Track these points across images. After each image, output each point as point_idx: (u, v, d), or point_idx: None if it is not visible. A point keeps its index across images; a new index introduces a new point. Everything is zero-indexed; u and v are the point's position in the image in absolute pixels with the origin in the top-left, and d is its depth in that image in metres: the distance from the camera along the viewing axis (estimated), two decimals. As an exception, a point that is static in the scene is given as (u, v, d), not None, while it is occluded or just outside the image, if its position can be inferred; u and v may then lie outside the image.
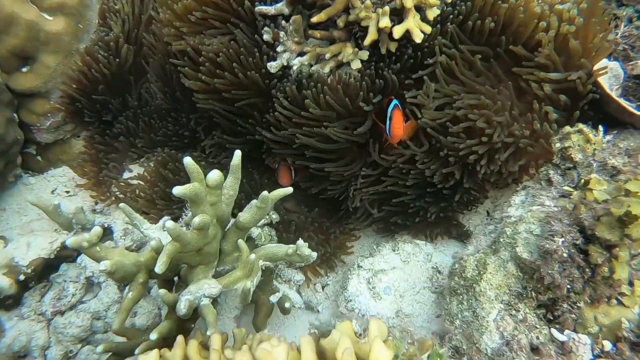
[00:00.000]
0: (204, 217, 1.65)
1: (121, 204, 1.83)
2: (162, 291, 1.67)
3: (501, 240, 1.67)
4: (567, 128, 1.79)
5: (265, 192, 1.76)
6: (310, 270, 2.36)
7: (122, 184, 2.37)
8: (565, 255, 1.48)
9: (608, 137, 1.98)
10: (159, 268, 1.53)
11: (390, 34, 1.78)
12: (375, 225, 2.37)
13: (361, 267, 2.19)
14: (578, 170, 1.76)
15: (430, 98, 1.91)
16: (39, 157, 2.38)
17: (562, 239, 1.49)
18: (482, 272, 1.65)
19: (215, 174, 1.68)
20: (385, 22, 1.70)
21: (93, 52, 2.10)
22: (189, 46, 1.98)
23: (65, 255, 2.22)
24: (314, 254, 1.86)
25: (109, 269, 1.56)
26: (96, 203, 2.38)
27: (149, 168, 2.41)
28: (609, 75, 2.10)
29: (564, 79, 1.84)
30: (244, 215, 1.82)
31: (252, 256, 1.76)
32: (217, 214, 1.78)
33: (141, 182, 2.34)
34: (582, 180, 1.70)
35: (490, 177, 1.98)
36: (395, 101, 1.88)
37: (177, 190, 1.57)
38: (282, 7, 1.91)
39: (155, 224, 2.11)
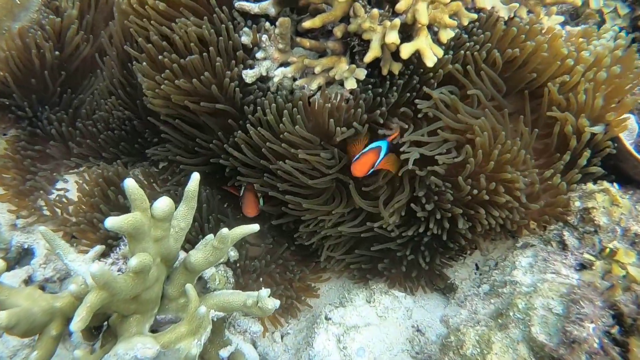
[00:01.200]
0: (144, 257, 1.27)
1: (41, 228, 1.42)
2: (79, 353, 1.27)
3: (510, 314, 1.37)
4: (591, 186, 1.54)
5: (224, 230, 1.41)
6: (269, 318, 2.00)
7: (53, 198, 1.95)
8: (596, 345, 1.20)
9: (627, 197, 1.75)
10: (76, 326, 1.14)
11: (395, 53, 1.49)
12: (348, 272, 2.04)
13: (330, 319, 1.85)
14: (600, 235, 1.50)
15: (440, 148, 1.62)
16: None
17: (594, 325, 1.21)
18: (485, 352, 1.35)
19: (163, 203, 1.31)
20: (393, 37, 1.40)
21: (26, 35, 1.70)
22: (149, 41, 1.61)
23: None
24: (277, 304, 1.51)
25: (4, 324, 1.14)
26: (17, 217, 1.94)
27: (90, 181, 2.00)
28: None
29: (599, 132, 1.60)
30: (196, 256, 1.45)
31: (202, 309, 1.39)
32: (163, 252, 1.41)
33: (78, 198, 1.93)
34: (607, 250, 1.44)
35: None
36: (383, 144, 1.59)
37: (111, 223, 1.19)
38: (267, 6, 1.58)
39: (86, 254, 1.69)
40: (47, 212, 1.92)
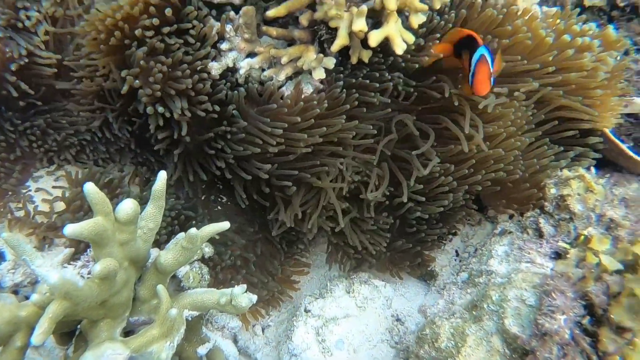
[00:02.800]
0: (108, 263, 1.24)
1: (3, 234, 1.37)
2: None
3: (484, 306, 1.36)
4: (566, 173, 1.52)
5: (193, 230, 1.37)
6: (250, 311, 1.98)
7: (23, 198, 1.90)
8: (567, 337, 1.19)
9: (601, 182, 1.73)
10: (37, 339, 1.11)
11: (364, 40, 1.43)
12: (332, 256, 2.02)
13: (309, 311, 1.84)
14: (575, 222, 1.48)
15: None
16: None
17: (565, 317, 1.20)
18: (459, 345, 1.34)
19: (127, 206, 1.27)
20: (360, 25, 1.34)
21: None
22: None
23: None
24: (253, 299, 1.48)
25: (-38, 337, 1.11)
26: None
27: (67, 178, 1.95)
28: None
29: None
30: (166, 257, 1.42)
31: (173, 311, 1.36)
32: (131, 255, 1.37)
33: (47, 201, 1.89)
34: (581, 237, 1.43)
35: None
36: (483, 51, 1.40)
37: (71, 230, 1.15)
38: (231, -6, 1.51)
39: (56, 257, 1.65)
40: (19, 214, 1.86)
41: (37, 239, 1.89)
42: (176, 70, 1.51)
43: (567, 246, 1.43)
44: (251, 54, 1.57)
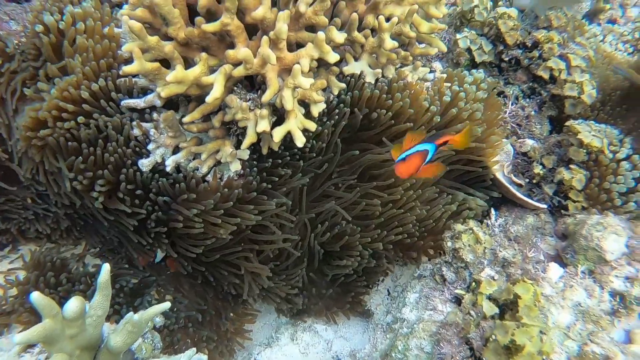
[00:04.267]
0: (59, 358, 1.42)
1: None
2: None
3: (393, 354, 1.59)
4: (459, 226, 1.76)
5: (135, 316, 1.56)
6: (206, 365, 2.17)
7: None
8: (454, 378, 1.43)
9: (500, 221, 1.99)
10: None
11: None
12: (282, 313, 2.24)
13: (259, 362, 2.04)
14: (470, 269, 1.73)
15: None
16: None
17: (451, 361, 1.44)
18: (375, 390, 1.57)
19: (73, 305, 1.45)
20: (263, 126, 1.56)
21: None
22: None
23: None
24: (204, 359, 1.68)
25: None
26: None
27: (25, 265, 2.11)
28: (500, 152, 2.13)
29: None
30: (115, 339, 1.60)
31: (125, 391, 1.55)
32: (81, 344, 1.55)
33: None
34: (474, 282, 1.67)
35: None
36: (431, 148, 1.51)
37: (20, 338, 1.33)
38: (152, 99, 1.71)
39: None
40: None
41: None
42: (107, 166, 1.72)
43: (463, 292, 1.67)
44: (176, 149, 1.77)
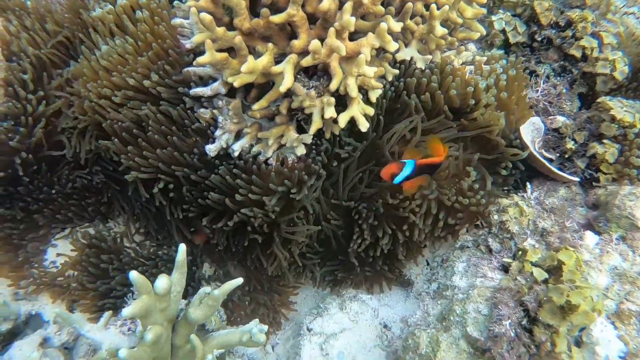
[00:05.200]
0: (157, 330, 1.57)
1: (57, 311, 1.68)
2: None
3: (451, 318, 1.76)
4: (504, 201, 1.91)
5: (216, 292, 1.70)
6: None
7: (47, 267, 2.17)
8: (512, 335, 1.60)
9: (535, 194, 2.14)
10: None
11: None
12: (321, 285, 2.40)
13: (311, 330, 2.21)
14: (515, 239, 1.89)
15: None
16: None
17: (509, 321, 1.61)
18: (435, 350, 1.74)
19: (163, 283, 1.58)
20: (330, 113, 1.67)
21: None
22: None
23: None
24: (265, 329, 1.83)
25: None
26: (15, 286, 2.15)
27: (77, 244, 2.22)
28: (532, 129, 2.26)
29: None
30: (196, 313, 1.75)
31: (209, 357, 1.70)
32: (168, 317, 1.69)
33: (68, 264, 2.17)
34: (520, 251, 1.83)
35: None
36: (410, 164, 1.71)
37: (128, 312, 1.47)
38: (218, 87, 1.80)
39: (95, 321, 1.95)
40: (45, 280, 2.14)
41: (65, 301, 2.18)
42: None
43: (510, 260, 1.83)
44: (240, 133, 1.88)
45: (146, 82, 1.87)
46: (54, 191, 2.13)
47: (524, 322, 1.62)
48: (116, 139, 1.88)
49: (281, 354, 2.35)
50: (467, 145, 2.07)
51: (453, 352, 1.71)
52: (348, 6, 1.63)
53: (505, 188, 2.09)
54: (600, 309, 1.52)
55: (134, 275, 1.52)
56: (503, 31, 2.29)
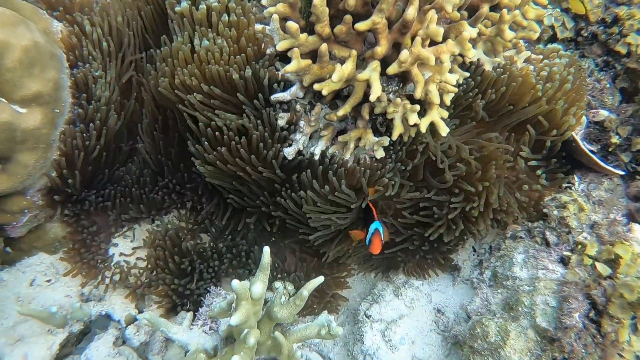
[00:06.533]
0: (256, 333, 1.65)
1: (145, 314, 1.73)
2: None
3: (519, 308, 1.89)
4: (564, 197, 2.02)
5: (304, 292, 1.78)
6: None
7: (113, 267, 2.19)
8: (580, 326, 1.75)
9: (582, 186, 2.27)
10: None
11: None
12: (374, 271, 2.50)
13: (371, 317, 2.32)
14: (572, 234, 2.01)
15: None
16: (8, 249, 2.06)
17: (578, 314, 1.75)
18: (505, 338, 1.88)
19: (259, 288, 1.66)
20: (414, 119, 1.72)
21: (72, 137, 1.80)
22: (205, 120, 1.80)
23: (65, 354, 2.06)
24: (332, 319, 1.94)
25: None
26: (83, 287, 2.17)
27: (146, 242, 2.24)
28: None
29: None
30: (282, 312, 1.82)
31: (298, 353, 1.80)
32: (257, 318, 1.77)
33: (137, 262, 2.19)
34: (578, 245, 1.96)
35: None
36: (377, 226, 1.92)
37: (236, 320, 1.55)
38: (296, 91, 1.82)
39: (175, 319, 2.01)
40: (115, 278, 2.16)
41: (134, 298, 2.22)
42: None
43: (569, 253, 1.96)
44: (315, 134, 1.91)
45: (237, 79, 1.84)
46: (122, 187, 2.11)
47: (592, 314, 1.76)
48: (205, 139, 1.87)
49: (338, 339, 2.47)
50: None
51: (522, 340, 1.86)
52: (432, 15, 1.66)
53: (560, 180, 2.21)
54: (668, 304, 1.67)
55: (235, 284, 1.58)
56: (552, 26, 2.34)
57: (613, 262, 1.88)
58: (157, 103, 1.98)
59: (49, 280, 2.12)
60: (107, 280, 2.17)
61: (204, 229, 2.28)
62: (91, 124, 1.85)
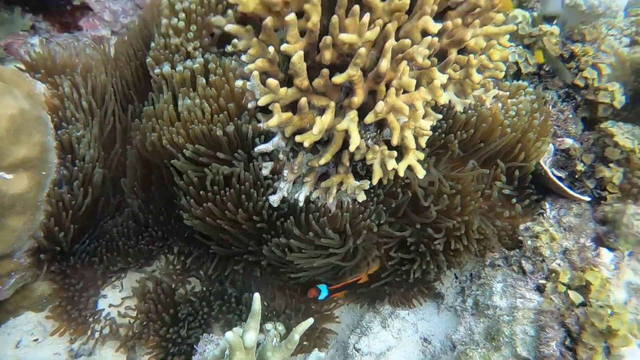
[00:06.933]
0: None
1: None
2: None
3: (500, 338, 1.98)
4: (537, 228, 2.14)
5: (295, 336, 1.83)
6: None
7: (103, 320, 2.20)
8: (558, 354, 1.85)
9: (553, 213, 2.39)
10: None
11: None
12: (360, 302, 2.57)
13: (360, 350, 2.38)
14: (546, 262, 2.12)
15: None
16: (-7, 311, 2.05)
17: (555, 342, 1.85)
18: (489, 368, 1.96)
19: (252, 337, 1.70)
20: (392, 165, 1.81)
21: (58, 200, 1.82)
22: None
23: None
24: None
25: None
26: (72, 343, 2.16)
27: (135, 291, 2.26)
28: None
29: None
30: (275, 357, 1.87)
31: (290, 396, 1.84)
32: (250, 365, 1.81)
33: (127, 311, 2.21)
34: (553, 273, 2.07)
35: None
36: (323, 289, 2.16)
37: (229, 373, 1.58)
38: (278, 142, 1.89)
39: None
40: (105, 332, 2.17)
41: (125, 351, 2.22)
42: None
43: (545, 282, 2.07)
44: (298, 180, 1.98)
45: (221, 135, 1.91)
46: (108, 241, 2.14)
47: (567, 342, 1.86)
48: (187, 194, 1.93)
49: (330, 373, 2.52)
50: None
51: (505, 369, 1.94)
52: (404, 66, 1.76)
53: (533, 208, 2.33)
54: (636, 333, 1.78)
55: (229, 336, 1.63)
56: (516, 62, 2.49)
57: (585, 288, 1.99)
58: (142, 156, 2.02)
59: (36, 340, 2.11)
60: (97, 335, 2.18)
61: (193, 273, 2.32)
62: (76, 183, 1.88)
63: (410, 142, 1.82)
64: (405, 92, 1.86)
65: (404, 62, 1.77)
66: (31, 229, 1.81)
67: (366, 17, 1.71)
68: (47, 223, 1.84)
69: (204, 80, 1.85)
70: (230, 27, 1.86)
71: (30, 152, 1.70)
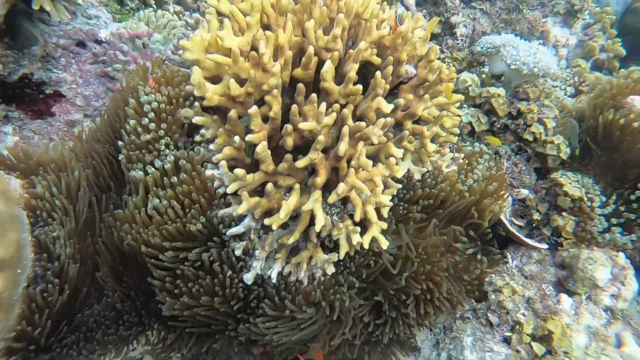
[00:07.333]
0: None
1: None
2: None
3: (474, 395, 2.08)
4: (499, 282, 2.26)
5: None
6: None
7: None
8: (527, 408, 1.95)
9: (515, 262, 2.53)
10: None
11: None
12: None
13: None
14: (511, 314, 2.24)
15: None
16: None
17: (524, 396, 1.95)
18: None
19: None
20: (357, 239, 1.92)
21: (33, 299, 1.86)
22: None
23: None
24: None
25: None
26: None
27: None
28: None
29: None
30: None
31: None
32: None
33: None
34: (517, 325, 2.19)
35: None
36: None
37: None
38: (249, 223, 1.99)
39: None
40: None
41: None
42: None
43: (510, 334, 2.19)
44: (269, 256, 2.07)
45: (195, 230, 2.00)
46: (85, 332, 2.17)
47: (534, 392, 1.97)
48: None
49: None
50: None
51: None
52: (361, 147, 1.90)
53: (496, 260, 2.46)
54: (595, 379, 1.90)
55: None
56: (469, 122, 2.67)
57: (548, 337, 2.12)
58: (117, 248, 2.09)
59: None
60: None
61: (175, 349, 2.36)
62: (53, 280, 1.92)
63: (373, 216, 1.94)
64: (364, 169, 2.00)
65: (361, 144, 1.91)
66: (5, 328, 1.84)
67: (323, 106, 1.85)
68: (21, 323, 1.87)
69: (176, 179, 1.95)
70: (198, 119, 1.98)
71: (5, 253, 1.76)
